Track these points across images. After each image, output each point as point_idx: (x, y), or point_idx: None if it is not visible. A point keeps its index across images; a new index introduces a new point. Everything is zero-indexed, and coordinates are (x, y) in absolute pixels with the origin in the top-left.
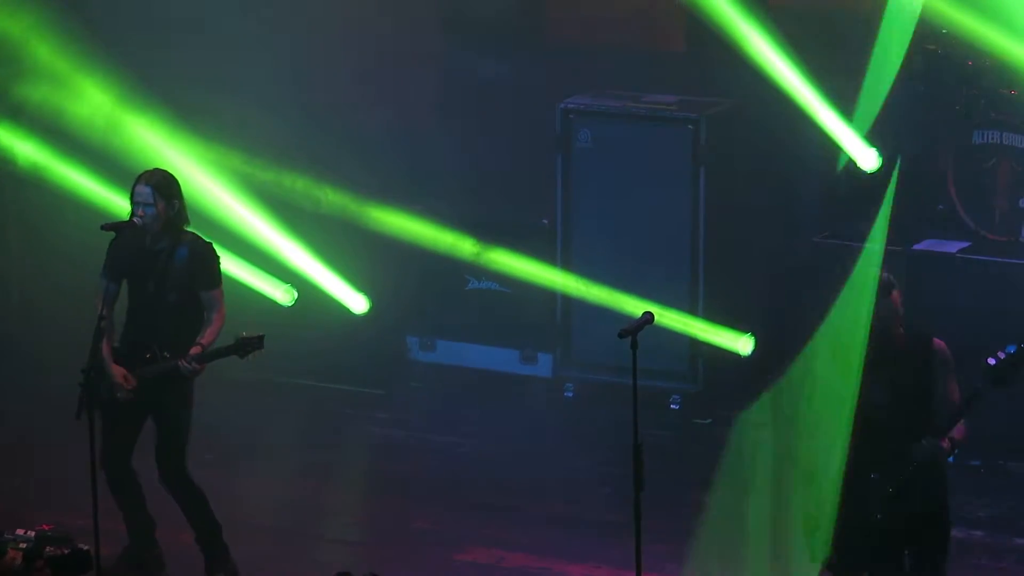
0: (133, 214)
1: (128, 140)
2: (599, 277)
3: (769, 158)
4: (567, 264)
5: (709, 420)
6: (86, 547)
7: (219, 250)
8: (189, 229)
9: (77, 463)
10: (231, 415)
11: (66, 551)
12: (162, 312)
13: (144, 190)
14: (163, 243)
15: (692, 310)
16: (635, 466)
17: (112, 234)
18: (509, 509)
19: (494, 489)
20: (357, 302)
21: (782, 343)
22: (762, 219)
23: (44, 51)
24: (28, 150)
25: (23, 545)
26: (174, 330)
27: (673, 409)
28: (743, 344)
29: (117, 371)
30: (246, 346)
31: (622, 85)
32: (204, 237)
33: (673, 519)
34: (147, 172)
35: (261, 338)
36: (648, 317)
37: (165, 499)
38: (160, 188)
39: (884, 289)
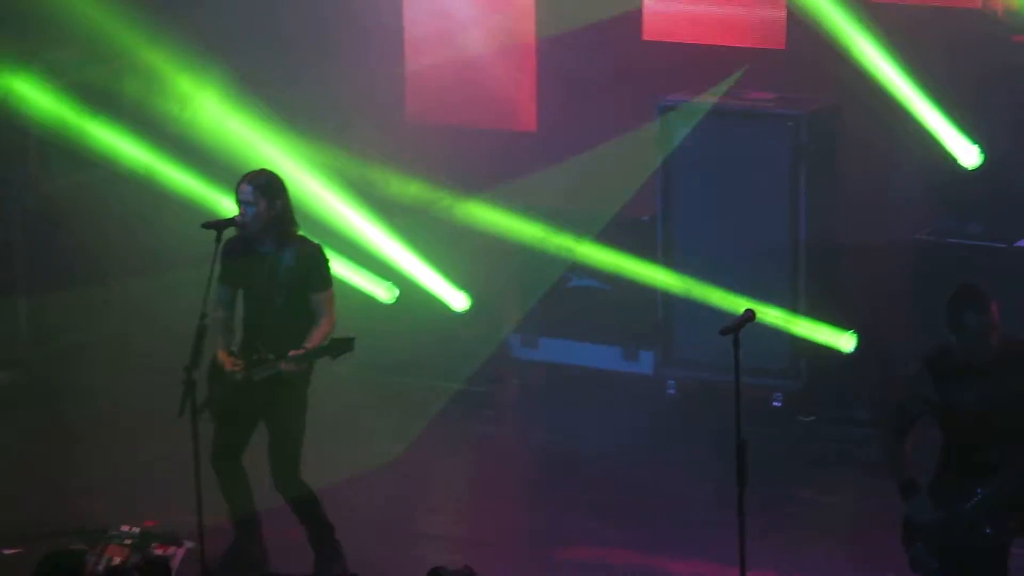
0: (239, 213)
1: (230, 139)
2: (700, 274)
3: (870, 155)
4: (668, 261)
5: (812, 417)
6: (180, 547)
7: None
8: (301, 232)
9: (182, 461)
10: (333, 413)
11: (161, 550)
12: (270, 314)
13: (246, 189)
14: (268, 245)
15: (794, 307)
16: (738, 463)
17: (216, 235)
18: (611, 507)
19: (596, 487)
20: (458, 300)
21: (885, 341)
22: (863, 216)
23: (146, 49)
24: (129, 148)
25: (128, 542)
26: (281, 333)
27: (775, 407)
28: (845, 341)
29: (225, 358)
30: (337, 348)
31: (722, 82)
32: (312, 239)
33: (776, 516)
34: (252, 172)
35: (352, 340)
36: (749, 315)
37: (270, 496)
38: (262, 188)
39: (982, 303)
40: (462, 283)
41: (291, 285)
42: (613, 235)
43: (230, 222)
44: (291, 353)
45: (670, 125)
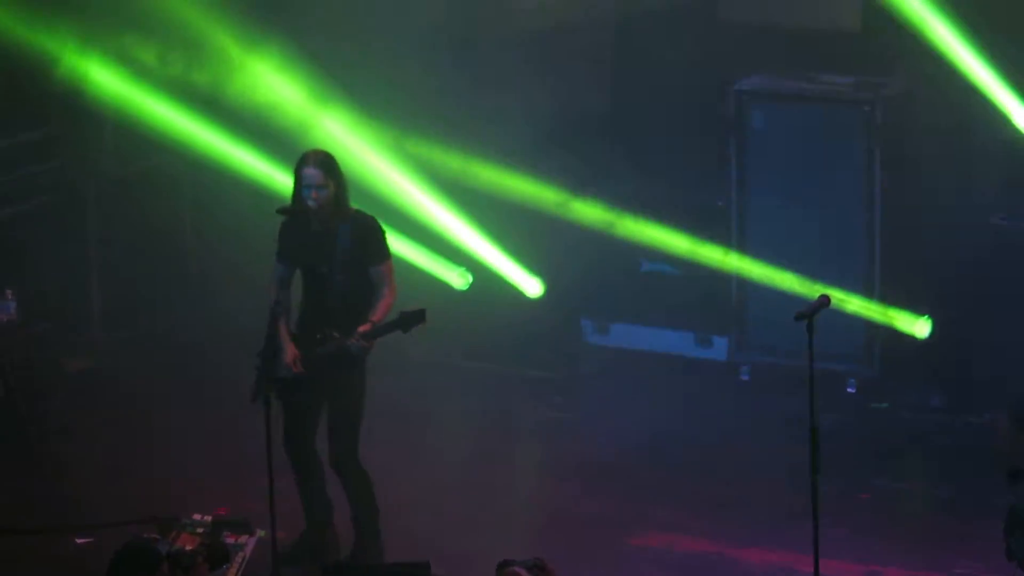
0: (306, 197)
1: (304, 123)
2: (774, 259)
3: (946, 139)
4: (742, 246)
5: (886, 404)
6: (252, 535)
7: (393, 232)
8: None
9: (253, 446)
10: (405, 396)
11: (232, 539)
12: (332, 292)
13: (315, 172)
14: (324, 223)
15: (868, 293)
16: (811, 450)
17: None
18: (682, 494)
19: (668, 473)
20: (532, 285)
21: (960, 326)
22: (939, 201)
23: (219, 33)
24: (200, 131)
25: (200, 530)
26: (344, 309)
27: (849, 393)
28: (920, 327)
29: (290, 352)
30: (408, 321)
31: (796, 65)
32: (366, 212)
33: (850, 503)
34: (311, 153)
35: (423, 312)
36: (824, 300)
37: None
38: (328, 169)
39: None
40: (535, 269)
41: (350, 262)
42: (686, 219)
43: (304, 209)
44: (360, 329)
45: (744, 109)
